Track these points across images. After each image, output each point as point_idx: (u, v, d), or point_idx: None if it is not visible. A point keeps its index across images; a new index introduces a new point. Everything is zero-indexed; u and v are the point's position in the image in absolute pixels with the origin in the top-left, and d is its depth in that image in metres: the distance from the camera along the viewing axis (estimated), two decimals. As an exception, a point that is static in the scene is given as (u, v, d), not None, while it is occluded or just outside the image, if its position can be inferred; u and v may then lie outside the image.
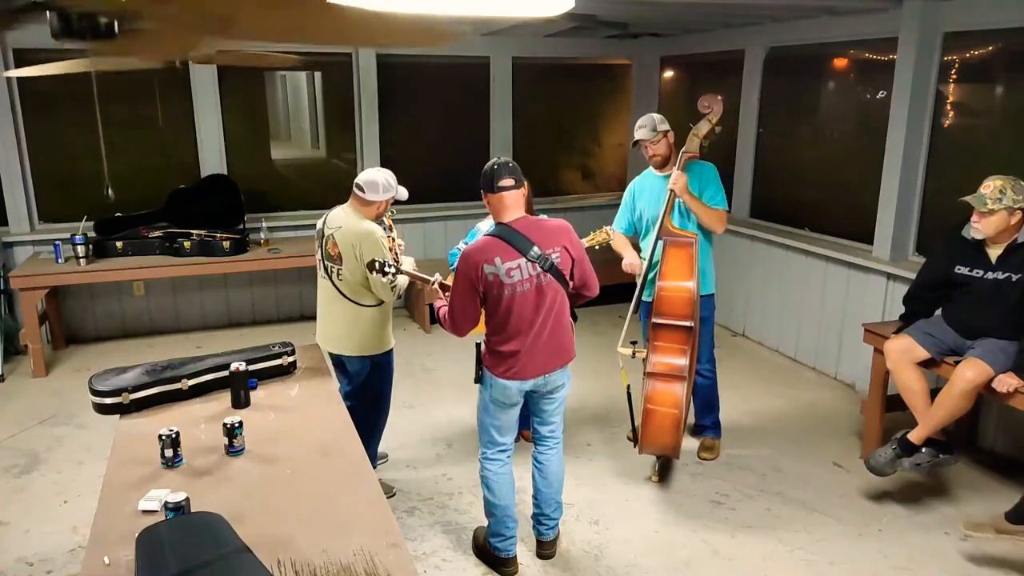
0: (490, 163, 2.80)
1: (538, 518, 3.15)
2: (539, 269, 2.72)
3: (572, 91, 7.21)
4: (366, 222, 3.24)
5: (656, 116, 3.71)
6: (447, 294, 3.03)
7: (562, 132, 7.22)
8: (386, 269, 3.11)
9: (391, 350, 3.48)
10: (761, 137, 5.78)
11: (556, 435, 3.10)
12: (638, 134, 3.70)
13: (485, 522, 3.11)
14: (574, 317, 3.08)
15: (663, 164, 3.74)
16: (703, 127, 3.63)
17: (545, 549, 3.17)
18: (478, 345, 2.95)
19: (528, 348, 2.80)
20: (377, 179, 3.26)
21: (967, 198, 3.22)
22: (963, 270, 3.36)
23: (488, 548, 3.09)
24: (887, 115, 4.54)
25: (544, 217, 2.93)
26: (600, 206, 7.20)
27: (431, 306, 3.85)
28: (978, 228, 3.23)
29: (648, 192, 3.79)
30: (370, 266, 3.12)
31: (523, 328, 2.77)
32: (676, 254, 3.50)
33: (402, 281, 3.29)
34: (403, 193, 3.39)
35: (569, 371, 2.98)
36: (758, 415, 4.55)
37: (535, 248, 2.71)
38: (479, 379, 2.95)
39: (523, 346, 2.79)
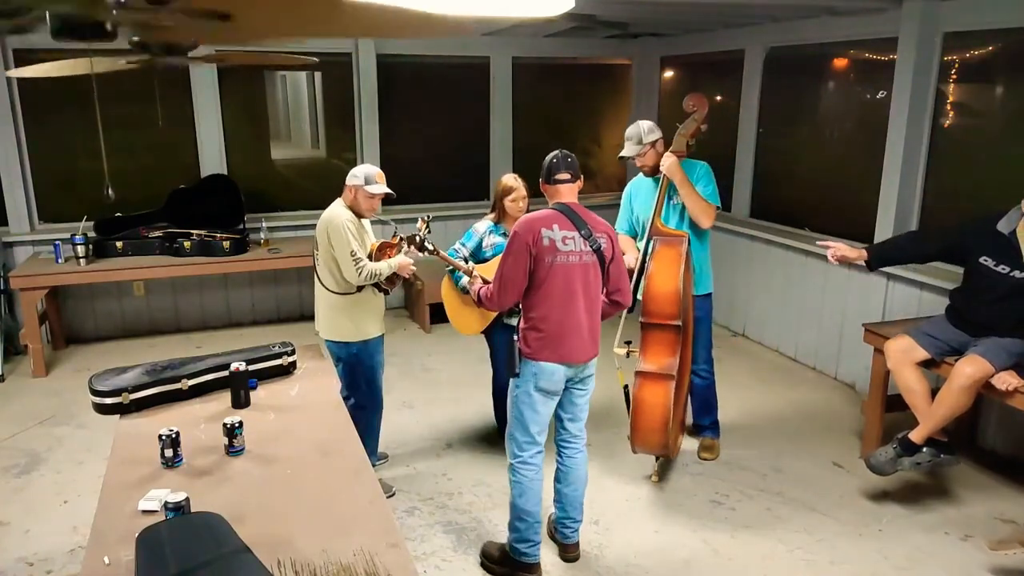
0: (551, 155, 2.91)
1: (563, 521, 3.11)
2: (589, 247, 2.79)
3: (572, 91, 7.20)
4: (336, 209, 3.35)
5: (645, 125, 3.70)
6: (478, 283, 3.13)
7: (562, 132, 7.22)
8: (426, 245, 3.37)
9: (373, 340, 3.49)
10: (761, 137, 5.78)
11: (584, 433, 3.08)
12: (624, 151, 3.73)
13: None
14: None
15: (653, 172, 3.76)
16: (689, 126, 3.67)
17: (570, 552, 3.13)
18: (512, 342, 2.88)
19: (574, 328, 2.80)
20: (355, 168, 3.41)
21: None
22: (988, 263, 3.31)
23: (511, 556, 2.99)
24: (887, 115, 4.54)
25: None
26: (600, 206, 7.17)
27: (431, 306, 3.84)
28: None
29: (642, 194, 3.83)
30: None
31: (571, 303, 2.79)
32: (664, 253, 3.52)
33: (373, 268, 3.32)
34: (375, 188, 3.35)
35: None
36: (758, 415, 4.55)
37: (587, 227, 2.81)
38: (515, 372, 2.88)
39: (570, 324, 2.79)
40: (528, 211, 3.69)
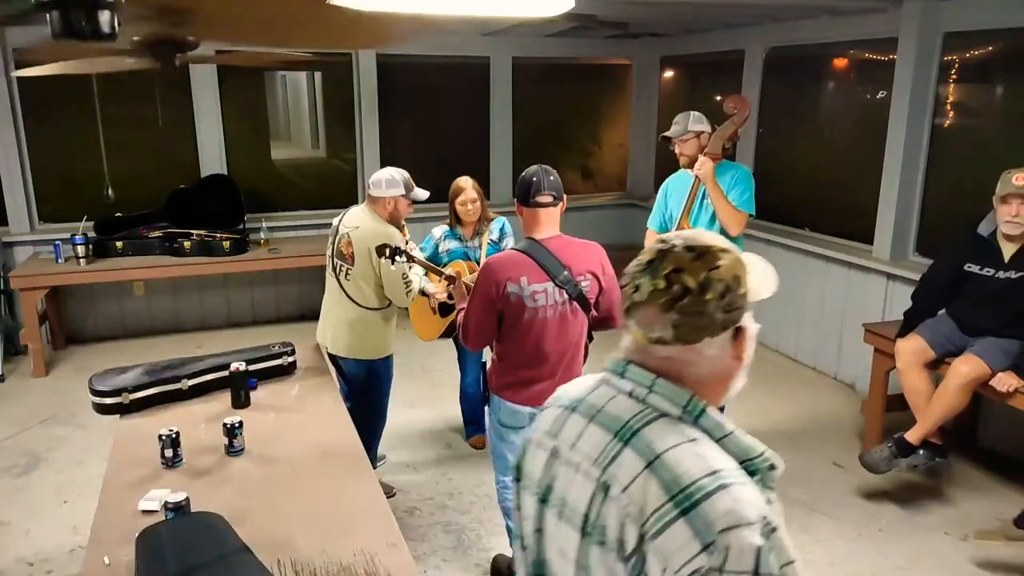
0: (529, 172, 2.53)
1: None
2: (566, 296, 2.50)
3: (572, 91, 7.21)
4: (385, 225, 3.20)
5: (694, 114, 3.65)
6: (450, 288, 2.96)
7: (562, 132, 7.23)
8: (396, 257, 3.00)
9: (390, 356, 3.44)
10: (761, 137, 5.78)
11: None
12: (670, 131, 3.69)
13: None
14: (590, 338, 2.81)
15: (690, 165, 3.71)
16: (728, 128, 3.57)
17: None
18: (483, 364, 2.76)
19: (546, 375, 2.58)
20: (382, 176, 3.23)
21: (1006, 193, 3.15)
22: (973, 268, 3.34)
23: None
24: (887, 115, 4.54)
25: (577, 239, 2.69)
26: (600, 206, 7.21)
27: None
28: (1020, 221, 3.16)
29: (678, 191, 3.72)
30: (379, 251, 3.01)
31: (542, 357, 2.56)
32: None
33: (416, 284, 3.25)
34: (420, 194, 3.31)
35: None
36: (758, 415, 4.55)
37: (565, 272, 2.48)
38: (486, 401, 2.72)
39: (540, 375, 2.58)
40: (483, 215, 3.66)
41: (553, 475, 1.14)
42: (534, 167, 2.56)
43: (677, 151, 3.70)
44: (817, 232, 5.32)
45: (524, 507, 1.21)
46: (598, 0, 4.44)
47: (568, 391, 1.23)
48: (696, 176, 3.55)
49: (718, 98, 6.23)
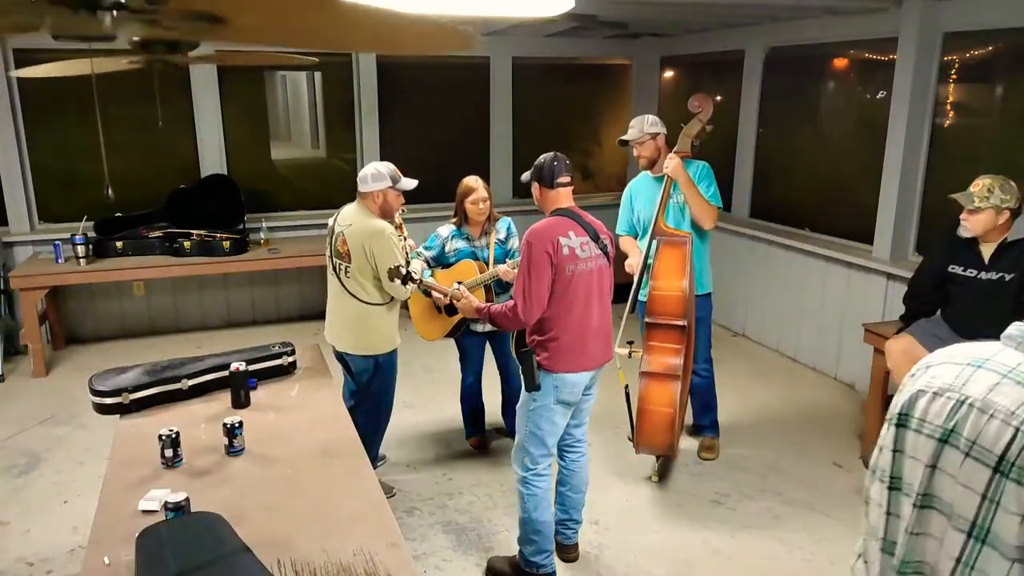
0: (548, 158, 2.81)
1: (564, 523, 3.10)
2: (599, 250, 2.78)
3: (572, 91, 7.21)
4: (376, 220, 3.23)
5: (650, 118, 3.73)
6: (462, 299, 2.96)
7: (562, 132, 7.22)
8: (413, 277, 3.06)
9: (395, 350, 3.45)
10: (761, 137, 5.78)
11: (586, 437, 3.07)
12: (627, 134, 3.74)
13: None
14: None
15: (649, 166, 3.79)
16: (694, 127, 3.67)
17: (570, 553, 3.12)
18: (528, 352, 2.77)
19: (593, 334, 2.78)
20: (367, 171, 3.26)
21: (956, 195, 3.23)
22: (957, 269, 3.36)
23: (527, 570, 2.92)
24: (887, 115, 4.54)
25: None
26: (600, 206, 7.20)
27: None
28: (966, 226, 3.25)
29: (643, 194, 3.82)
30: (392, 274, 3.05)
31: (589, 310, 2.75)
32: (669, 253, 3.51)
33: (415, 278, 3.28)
34: (407, 184, 3.32)
35: None
36: (758, 415, 4.55)
37: (594, 230, 2.79)
38: (536, 386, 2.76)
39: (589, 331, 2.76)
40: (490, 215, 3.70)
41: (957, 419, 1.25)
42: (549, 154, 2.83)
43: (635, 153, 3.79)
44: (817, 232, 5.32)
45: (911, 447, 1.32)
46: (598, 0, 4.44)
47: (962, 352, 1.35)
48: (666, 175, 3.60)
49: (718, 98, 6.24)
